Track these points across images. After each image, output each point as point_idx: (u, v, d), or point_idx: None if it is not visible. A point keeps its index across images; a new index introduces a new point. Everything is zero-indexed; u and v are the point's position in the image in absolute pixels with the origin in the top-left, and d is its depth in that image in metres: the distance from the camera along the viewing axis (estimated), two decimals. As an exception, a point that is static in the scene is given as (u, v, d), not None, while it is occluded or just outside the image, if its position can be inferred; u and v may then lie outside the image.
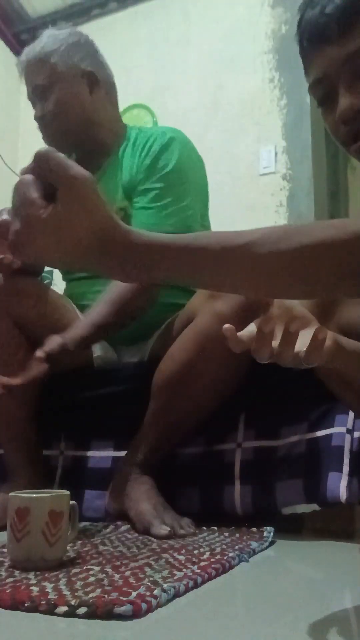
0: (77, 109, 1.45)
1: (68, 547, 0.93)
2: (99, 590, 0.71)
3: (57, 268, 0.87)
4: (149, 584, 0.74)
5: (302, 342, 0.72)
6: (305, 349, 0.72)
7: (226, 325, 0.67)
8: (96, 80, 1.47)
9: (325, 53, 0.78)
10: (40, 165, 0.58)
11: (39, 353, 1.17)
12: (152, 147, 1.41)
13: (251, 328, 0.72)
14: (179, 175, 1.39)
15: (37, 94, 1.46)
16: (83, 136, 1.47)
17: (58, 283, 1.62)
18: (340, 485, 1.09)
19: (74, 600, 0.67)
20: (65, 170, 0.56)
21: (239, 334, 0.69)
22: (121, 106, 1.61)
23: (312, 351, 0.72)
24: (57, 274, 2.27)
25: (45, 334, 1.37)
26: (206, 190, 1.51)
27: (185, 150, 1.43)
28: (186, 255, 0.60)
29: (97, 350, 1.45)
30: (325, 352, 0.76)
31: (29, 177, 0.58)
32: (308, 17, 0.79)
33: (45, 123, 1.46)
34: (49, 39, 1.46)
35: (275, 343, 0.71)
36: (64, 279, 1.61)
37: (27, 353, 1.36)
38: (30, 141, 3.37)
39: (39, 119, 1.47)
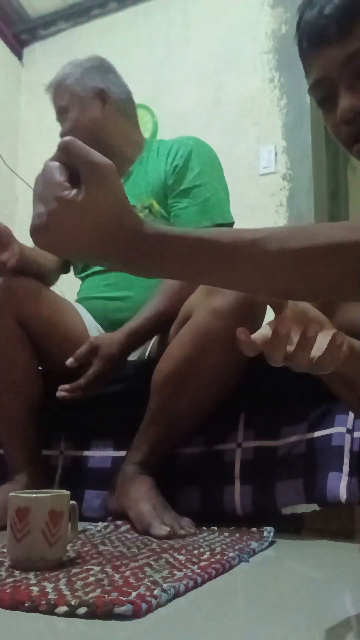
0: (89, 123, 1.58)
1: (68, 547, 0.93)
2: (99, 590, 0.71)
3: (72, 256, 0.87)
4: (149, 584, 0.74)
5: (318, 346, 0.70)
6: (321, 354, 0.70)
7: (240, 328, 0.65)
8: (107, 96, 1.60)
9: (325, 54, 0.78)
10: (64, 153, 0.60)
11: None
12: (178, 152, 1.53)
13: (264, 330, 0.70)
14: (210, 173, 1.50)
15: (59, 115, 1.63)
16: (100, 148, 1.52)
17: (59, 285, 1.64)
18: (340, 485, 1.09)
19: (74, 600, 0.67)
20: (88, 156, 0.59)
21: (252, 336, 0.67)
22: (121, 106, 1.64)
23: (329, 356, 0.70)
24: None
25: (47, 334, 1.38)
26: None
27: (210, 153, 1.56)
28: (197, 249, 0.60)
29: None
30: (340, 358, 0.74)
31: (54, 162, 0.60)
32: (307, 18, 0.79)
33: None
34: (69, 65, 1.64)
35: (291, 347, 0.69)
36: (77, 276, 1.65)
37: (31, 352, 1.36)
38: (30, 141, 3.38)
39: (62, 136, 1.58)
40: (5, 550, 0.90)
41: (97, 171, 0.58)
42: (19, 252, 1.34)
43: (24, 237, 2.99)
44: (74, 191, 0.58)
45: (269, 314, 1.32)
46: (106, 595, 0.69)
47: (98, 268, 1.58)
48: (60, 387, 1.30)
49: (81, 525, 1.07)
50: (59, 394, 1.29)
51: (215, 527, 1.16)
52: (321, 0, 0.77)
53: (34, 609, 0.67)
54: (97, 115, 1.59)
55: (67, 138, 0.60)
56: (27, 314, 1.35)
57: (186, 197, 1.48)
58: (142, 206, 1.52)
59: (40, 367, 1.44)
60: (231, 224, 1.49)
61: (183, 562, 0.86)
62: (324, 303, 1.07)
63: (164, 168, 1.54)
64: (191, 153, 1.52)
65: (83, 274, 1.63)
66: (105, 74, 1.63)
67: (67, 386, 1.29)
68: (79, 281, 1.67)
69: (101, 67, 1.64)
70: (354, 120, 0.79)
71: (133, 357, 1.46)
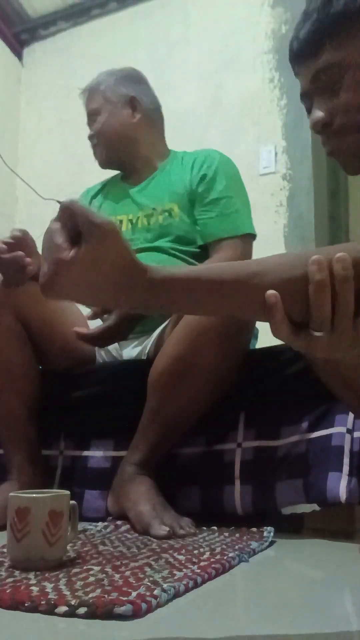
0: (119, 127, 1.64)
1: (68, 547, 0.93)
2: (99, 590, 0.71)
3: (87, 304, 0.92)
4: (149, 584, 0.74)
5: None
6: None
7: (270, 291, 0.62)
8: (138, 104, 1.66)
9: (302, 72, 0.91)
10: (65, 215, 0.63)
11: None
12: (205, 163, 1.59)
13: None
14: (237, 187, 1.58)
15: (89, 118, 1.69)
16: (125, 151, 1.66)
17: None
18: (340, 485, 1.09)
19: (74, 600, 0.67)
20: (88, 217, 0.61)
21: None
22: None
23: None
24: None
25: (47, 334, 1.39)
26: None
27: (235, 167, 1.63)
28: (201, 288, 0.64)
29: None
30: None
31: (56, 224, 0.64)
32: (290, 41, 0.92)
33: (94, 141, 1.68)
34: (104, 73, 1.70)
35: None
36: None
37: (31, 352, 1.36)
38: (30, 141, 3.38)
39: (90, 137, 1.68)
40: (5, 550, 0.90)
41: (97, 231, 0.61)
42: (38, 263, 1.34)
43: (24, 237, 2.91)
44: (72, 252, 0.61)
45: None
46: (106, 595, 0.69)
47: None
48: (76, 328, 1.33)
49: (81, 525, 1.07)
50: (76, 328, 1.32)
51: (215, 527, 1.16)
52: (299, 24, 0.90)
53: (34, 609, 0.67)
54: (127, 120, 1.65)
55: (68, 200, 0.64)
56: (28, 313, 1.36)
57: (216, 206, 1.53)
58: (162, 209, 1.57)
59: (40, 367, 1.44)
60: (254, 236, 1.55)
61: (183, 562, 0.86)
62: None
63: (189, 176, 1.59)
64: (219, 165, 1.58)
65: None
66: (138, 84, 1.70)
67: (82, 331, 1.33)
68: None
69: (134, 76, 1.71)
70: (322, 132, 0.90)
71: (135, 349, 1.47)
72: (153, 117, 1.70)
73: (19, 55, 3.47)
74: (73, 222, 0.62)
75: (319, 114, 0.89)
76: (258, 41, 2.79)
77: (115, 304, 0.66)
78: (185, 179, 1.59)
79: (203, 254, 1.54)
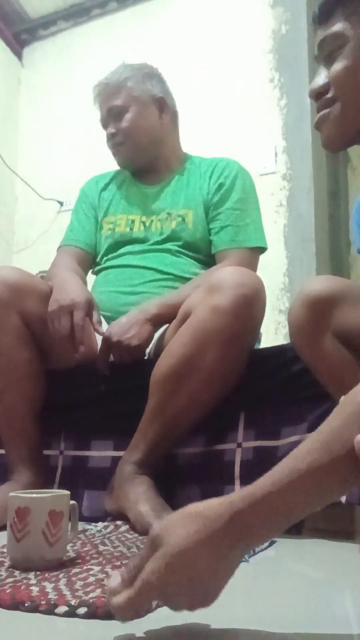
0: (147, 128, 1.62)
1: (68, 547, 0.93)
2: (99, 590, 0.72)
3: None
4: (149, 584, 0.74)
5: None
6: None
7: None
8: (165, 105, 1.65)
9: (317, 34, 0.92)
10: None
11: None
12: (224, 172, 1.59)
13: None
14: (252, 200, 1.59)
15: (112, 115, 1.62)
16: (150, 153, 1.64)
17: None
18: (340, 485, 1.09)
19: (74, 600, 0.67)
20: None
21: None
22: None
23: None
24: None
25: (48, 333, 1.38)
26: None
27: (251, 179, 1.63)
28: (285, 501, 0.58)
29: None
30: None
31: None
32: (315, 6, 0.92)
33: (118, 140, 1.63)
34: (125, 68, 1.65)
35: None
36: (93, 272, 1.67)
37: (35, 352, 1.36)
38: (30, 141, 3.38)
39: (112, 135, 1.63)
40: (5, 550, 0.90)
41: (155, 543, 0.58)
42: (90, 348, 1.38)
43: (23, 236, 3.00)
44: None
45: (268, 314, 1.32)
46: (106, 595, 0.69)
47: (112, 263, 1.59)
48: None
49: (81, 525, 1.07)
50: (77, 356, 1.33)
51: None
52: None
53: (34, 609, 0.67)
54: (155, 121, 1.63)
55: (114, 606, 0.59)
56: (33, 313, 1.36)
57: (228, 217, 1.54)
58: (177, 214, 1.57)
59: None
60: (264, 250, 1.56)
61: (183, 562, 0.86)
62: (317, 307, 1.06)
63: (207, 184, 1.59)
64: (237, 176, 1.58)
65: (97, 268, 1.64)
66: (163, 84, 1.68)
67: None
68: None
69: (158, 75, 1.68)
70: (316, 99, 0.90)
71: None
72: (174, 119, 1.70)
73: (19, 55, 3.47)
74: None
75: (317, 81, 0.90)
76: (258, 41, 2.79)
77: (216, 574, 0.58)
78: (202, 186, 1.59)
79: (211, 262, 1.55)
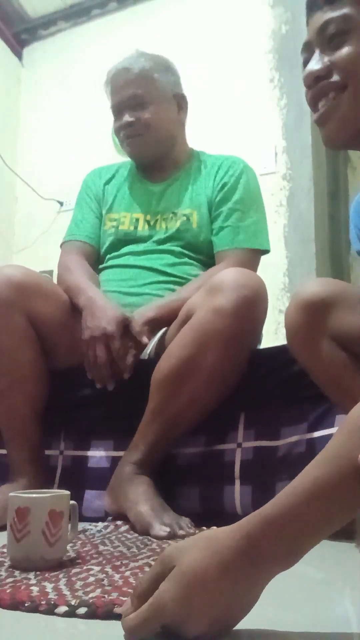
0: (168, 124, 1.60)
1: (68, 547, 0.93)
2: (99, 590, 0.71)
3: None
4: (149, 584, 0.74)
5: None
6: None
7: None
8: (184, 103, 1.65)
9: (313, 18, 0.86)
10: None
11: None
12: (229, 171, 1.58)
13: None
14: (256, 200, 1.57)
15: (130, 103, 1.57)
16: (163, 149, 1.62)
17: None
18: (340, 485, 1.09)
19: (74, 600, 0.67)
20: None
21: None
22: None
23: None
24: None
25: (56, 334, 1.38)
26: None
27: (256, 179, 1.62)
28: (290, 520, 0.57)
29: None
30: None
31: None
32: None
33: (136, 130, 1.58)
34: (145, 57, 1.61)
35: None
36: (101, 267, 1.64)
37: (39, 352, 1.36)
38: (30, 141, 3.38)
39: (128, 124, 1.57)
40: (5, 550, 0.90)
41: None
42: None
43: (23, 235, 3.00)
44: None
45: (268, 314, 1.32)
46: (106, 595, 0.69)
47: (114, 262, 1.58)
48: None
49: (81, 525, 1.07)
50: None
51: (215, 527, 1.15)
52: None
53: (34, 609, 0.67)
54: (174, 118, 1.62)
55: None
56: (38, 313, 1.35)
57: (228, 218, 1.53)
58: (182, 214, 1.56)
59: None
60: (267, 252, 1.55)
61: (183, 562, 0.86)
62: (313, 311, 1.06)
63: (212, 183, 1.58)
64: (241, 175, 1.57)
65: (100, 266, 1.62)
66: (179, 78, 1.66)
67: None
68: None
69: (175, 69, 1.65)
70: (312, 85, 0.84)
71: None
72: (186, 117, 1.69)
73: (19, 55, 3.47)
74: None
75: (315, 65, 0.84)
76: (258, 41, 2.79)
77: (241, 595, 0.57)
78: (207, 185, 1.58)
79: (213, 264, 1.54)
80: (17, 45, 3.45)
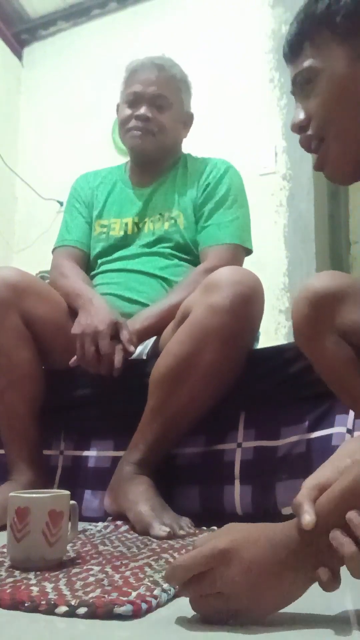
0: (175, 134, 1.64)
1: (68, 547, 0.93)
2: (99, 590, 0.71)
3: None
4: (149, 584, 0.74)
5: None
6: None
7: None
8: (190, 122, 1.70)
9: (290, 71, 0.92)
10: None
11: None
12: (212, 173, 1.59)
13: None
14: (239, 199, 1.57)
15: (153, 99, 1.59)
16: (163, 155, 1.63)
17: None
18: (340, 485, 1.09)
19: (74, 600, 0.67)
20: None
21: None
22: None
23: None
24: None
25: (51, 335, 1.39)
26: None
27: (240, 179, 1.62)
28: None
29: None
30: None
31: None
32: (283, 45, 0.93)
33: (150, 127, 1.58)
34: (178, 67, 1.65)
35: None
36: (93, 272, 1.65)
37: (35, 352, 1.37)
38: (30, 141, 3.38)
39: (145, 118, 1.57)
40: (5, 550, 0.90)
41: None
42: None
43: (23, 236, 2.99)
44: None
45: (268, 314, 1.32)
46: (106, 595, 0.69)
47: (107, 267, 1.59)
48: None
49: (81, 525, 1.07)
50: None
51: (215, 527, 1.16)
52: (291, 23, 0.91)
53: (34, 609, 0.67)
54: (179, 133, 1.67)
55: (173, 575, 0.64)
56: (33, 313, 1.36)
57: (211, 215, 1.54)
58: (169, 216, 1.57)
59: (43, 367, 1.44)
60: (250, 252, 1.55)
61: (183, 562, 0.86)
62: (320, 305, 1.06)
63: (196, 186, 1.59)
64: (224, 175, 1.58)
65: (93, 272, 1.63)
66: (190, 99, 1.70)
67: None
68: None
69: (191, 91, 1.70)
70: (299, 133, 0.90)
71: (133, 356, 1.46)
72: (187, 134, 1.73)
73: (19, 55, 3.47)
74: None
75: (297, 116, 0.90)
76: (258, 41, 2.79)
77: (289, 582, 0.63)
78: (192, 188, 1.59)
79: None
80: (17, 45, 3.46)
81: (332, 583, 0.61)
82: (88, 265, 1.64)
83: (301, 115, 0.90)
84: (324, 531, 0.60)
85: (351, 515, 0.59)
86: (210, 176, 1.59)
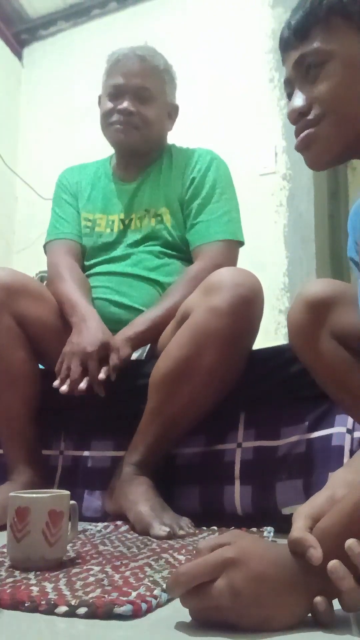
0: (160, 127, 1.61)
1: (68, 547, 0.93)
2: (99, 590, 0.72)
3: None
4: (149, 584, 0.74)
5: None
6: None
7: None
8: (175, 114, 1.66)
9: (289, 57, 0.90)
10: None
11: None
12: (196, 166, 1.55)
13: None
14: (227, 191, 1.54)
15: (135, 92, 1.55)
16: (148, 148, 1.60)
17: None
18: (340, 485, 1.09)
19: (74, 600, 0.67)
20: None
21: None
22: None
23: None
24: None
25: (45, 335, 1.39)
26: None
27: (226, 170, 1.59)
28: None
29: None
30: None
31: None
32: (282, 29, 0.92)
33: (134, 121, 1.55)
34: (160, 57, 1.62)
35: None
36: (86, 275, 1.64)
37: (29, 351, 1.37)
38: (30, 141, 3.38)
39: (128, 112, 1.54)
40: (5, 550, 0.90)
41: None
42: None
43: (23, 236, 2.98)
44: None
45: (268, 314, 1.32)
46: (106, 595, 0.69)
47: (97, 270, 1.58)
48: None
49: (81, 525, 1.07)
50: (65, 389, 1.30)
51: (215, 527, 1.16)
52: (291, 15, 0.90)
53: (34, 609, 0.67)
54: (164, 126, 1.64)
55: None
56: (26, 314, 1.36)
57: (200, 212, 1.51)
58: (155, 212, 1.55)
59: (42, 366, 1.44)
60: (242, 244, 1.53)
61: (183, 562, 0.86)
62: (315, 308, 1.07)
63: (180, 180, 1.56)
64: (209, 168, 1.55)
65: (86, 273, 1.62)
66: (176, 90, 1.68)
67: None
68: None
69: (176, 81, 1.67)
70: (296, 121, 0.88)
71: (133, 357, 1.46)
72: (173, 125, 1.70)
73: (19, 55, 3.47)
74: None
75: (297, 102, 0.87)
76: (258, 41, 2.79)
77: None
78: (176, 183, 1.56)
79: (191, 259, 1.53)
80: (17, 45, 3.46)
81: (328, 614, 0.60)
82: (83, 257, 1.62)
83: (301, 101, 0.87)
84: (324, 559, 0.60)
85: (351, 544, 0.59)
86: (194, 170, 1.55)
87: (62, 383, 1.31)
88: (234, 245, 1.51)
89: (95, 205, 1.62)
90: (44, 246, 1.67)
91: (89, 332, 1.34)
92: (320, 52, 0.85)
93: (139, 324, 1.39)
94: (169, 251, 1.54)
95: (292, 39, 0.89)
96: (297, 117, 0.87)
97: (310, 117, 0.86)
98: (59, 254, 1.58)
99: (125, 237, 1.57)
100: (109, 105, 1.57)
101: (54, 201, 1.71)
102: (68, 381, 1.30)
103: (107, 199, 1.62)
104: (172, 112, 1.65)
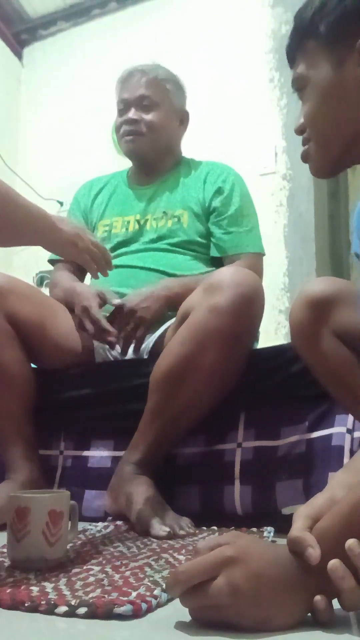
0: (168, 132, 1.66)
1: (68, 547, 0.93)
2: (99, 590, 0.72)
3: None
4: (149, 584, 0.74)
5: None
6: None
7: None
8: (186, 120, 1.73)
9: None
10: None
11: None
12: (220, 176, 1.63)
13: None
14: (251, 207, 1.64)
15: (138, 102, 1.63)
16: (159, 155, 1.67)
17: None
18: (340, 485, 1.09)
19: (74, 600, 0.67)
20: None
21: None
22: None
23: None
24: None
25: (37, 335, 1.40)
26: None
27: (246, 186, 1.67)
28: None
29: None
30: None
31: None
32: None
33: (139, 129, 1.63)
34: (161, 68, 1.69)
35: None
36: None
37: (22, 351, 1.37)
38: (30, 141, 3.38)
39: (133, 121, 1.62)
40: (5, 550, 0.90)
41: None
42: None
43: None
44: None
45: (268, 314, 1.32)
46: (106, 595, 0.69)
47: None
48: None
49: (81, 525, 1.07)
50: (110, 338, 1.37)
51: (215, 527, 1.16)
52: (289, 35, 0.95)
53: (34, 609, 0.67)
54: (175, 132, 1.70)
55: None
56: (18, 313, 1.37)
57: (233, 222, 1.58)
58: (172, 214, 1.59)
59: (35, 366, 1.44)
60: (263, 255, 1.61)
61: (183, 562, 0.86)
62: (316, 307, 1.07)
63: (202, 187, 1.62)
64: (235, 182, 1.62)
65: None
66: (186, 100, 1.74)
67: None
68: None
69: (185, 91, 1.73)
70: (301, 134, 0.94)
71: (132, 356, 1.47)
72: (184, 133, 1.75)
73: (19, 55, 3.47)
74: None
75: (297, 121, 0.94)
76: (258, 41, 2.79)
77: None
78: (198, 189, 1.62)
79: (206, 258, 1.56)
80: (17, 45, 3.46)
81: (328, 613, 0.60)
82: (85, 274, 1.66)
83: (300, 119, 0.94)
84: (323, 558, 0.60)
85: (351, 544, 0.59)
86: (219, 179, 1.62)
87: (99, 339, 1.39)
88: (261, 258, 1.60)
89: (112, 211, 1.67)
90: (49, 260, 1.70)
91: (80, 294, 1.42)
92: (300, 78, 0.92)
93: (178, 285, 1.44)
94: (182, 250, 1.57)
95: (288, 58, 0.96)
96: (300, 134, 0.95)
97: (305, 135, 0.93)
98: (59, 271, 1.65)
99: (141, 236, 1.60)
100: (119, 119, 1.67)
101: (68, 214, 1.77)
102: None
103: (123, 202, 1.67)
104: (183, 118, 1.72)
